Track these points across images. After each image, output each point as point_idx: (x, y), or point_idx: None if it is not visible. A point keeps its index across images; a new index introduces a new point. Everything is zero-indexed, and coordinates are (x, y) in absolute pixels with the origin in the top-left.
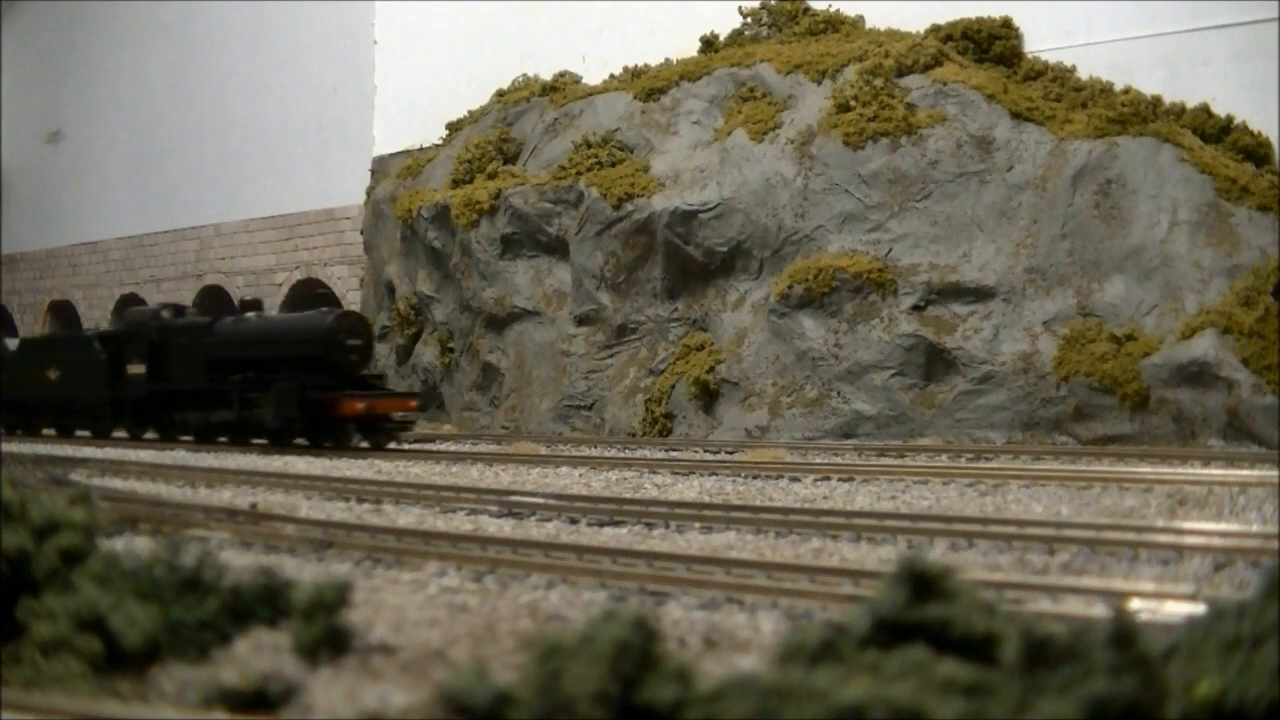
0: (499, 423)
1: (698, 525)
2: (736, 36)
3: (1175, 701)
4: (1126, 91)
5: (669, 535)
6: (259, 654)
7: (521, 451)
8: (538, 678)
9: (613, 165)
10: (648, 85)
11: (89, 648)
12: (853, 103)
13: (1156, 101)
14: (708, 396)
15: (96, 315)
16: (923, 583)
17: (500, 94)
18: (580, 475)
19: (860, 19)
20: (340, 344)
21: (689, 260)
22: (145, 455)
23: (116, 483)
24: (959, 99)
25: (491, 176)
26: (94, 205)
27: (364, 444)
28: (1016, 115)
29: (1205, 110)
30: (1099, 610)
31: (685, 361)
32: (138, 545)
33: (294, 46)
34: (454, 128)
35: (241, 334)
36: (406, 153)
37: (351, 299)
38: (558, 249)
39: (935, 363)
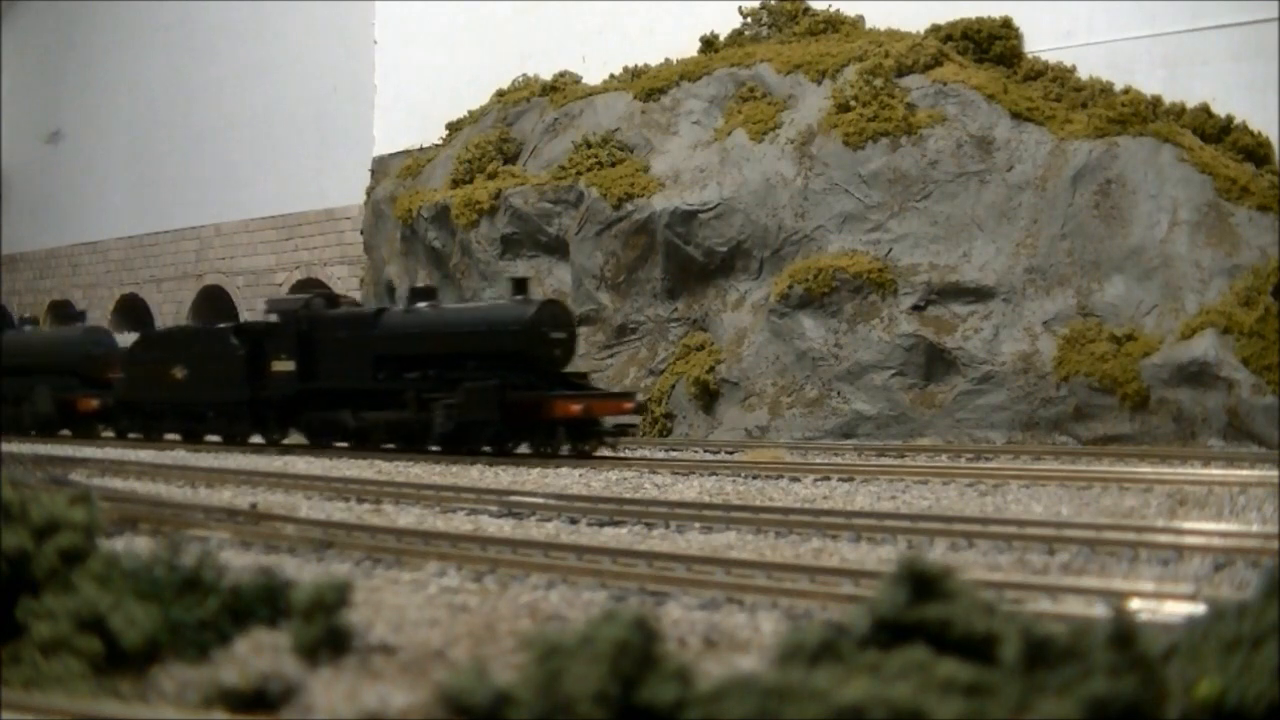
0: None
1: (698, 525)
2: (736, 36)
3: (1175, 701)
4: (1126, 91)
5: (669, 535)
6: (259, 654)
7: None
8: (538, 678)
9: (613, 165)
10: (648, 85)
11: (89, 648)
12: (853, 103)
13: (1156, 101)
14: (708, 396)
15: (96, 316)
16: (923, 583)
17: (500, 94)
18: (580, 475)
19: (860, 19)
20: (543, 337)
21: (689, 260)
22: (145, 455)
23: (116, 483)
24: (959, 99)
25: (491, 176)
26: (94, 205)
27: (555, 450)
28: (1016, 115)
29: (1205, 110)
30: (1099, 610)
31: (685, 361)
32: (138, 545)
33: (294, 46)
34: (454, 128)
35: (417, 326)
36: (406, 153)
37: (351, 299)
38: (558, 249)
39: (935, 363)
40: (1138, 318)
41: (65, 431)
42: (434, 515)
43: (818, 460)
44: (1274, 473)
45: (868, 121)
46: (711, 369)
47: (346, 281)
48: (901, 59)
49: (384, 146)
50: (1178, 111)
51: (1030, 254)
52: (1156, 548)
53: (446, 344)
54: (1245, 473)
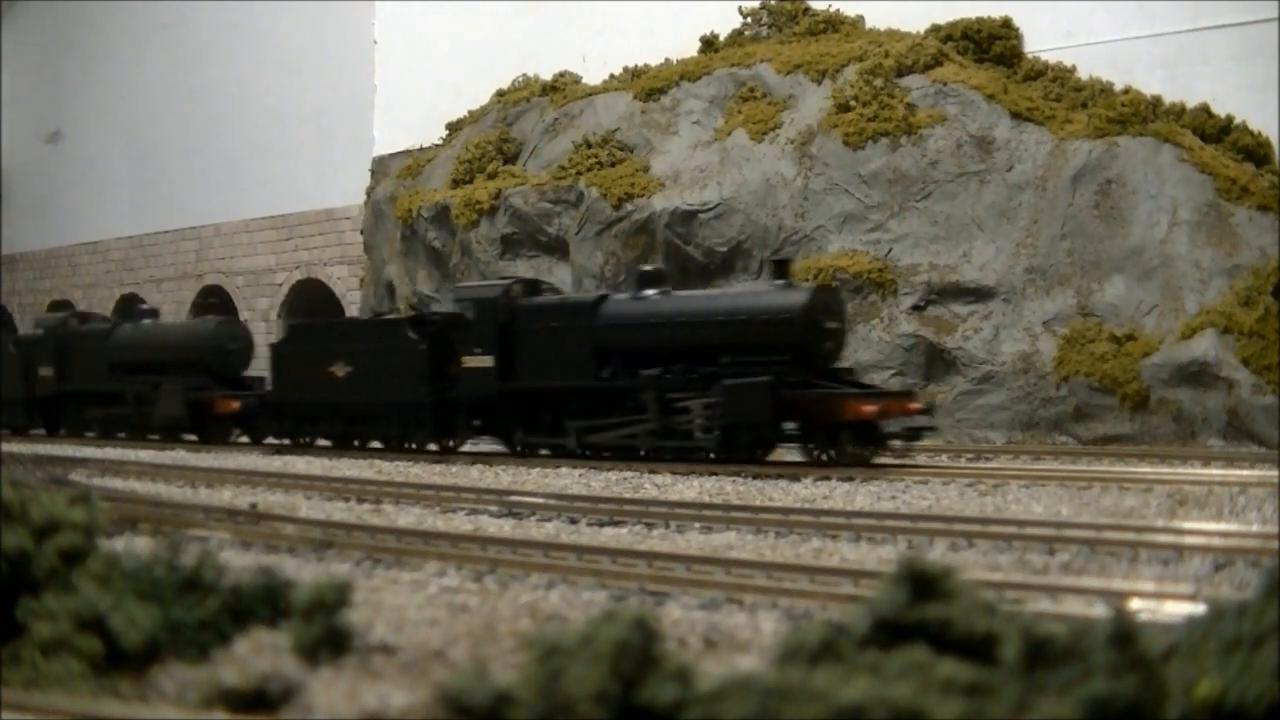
0: None
1: (698, 525)
2: (736, 36)
3: (1175, 701)
4: (1126, 91)
5: (669, 535)
6: (259, 654)
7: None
8: (538, 678)
9: (613, 165)
10: (648, 85)
11: (89, 648)
12: (853, 103)
13: (1156, 101)
14: None
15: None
16: (923, 583)
17: (500, 94)
18: (580, 475)
19: (860, 19)
20: (819, 327)
21: (689, 260)
22: (145, 455)
23: (116, 483)
24: (959, 99)
25: (491, 176)
26: (94, 205)
27: (810, 456)
28: (1016, 115)
29: (1205, 110)
30: (1099, 610)
31: None
32: (138, 545)
33: (294, 46)
34: (454, 128)
35: (653, 315)
36: (406, 153)
37: (351, 299)
38: (558, 249)
39: (935, 363)
40: (1138, 318)
41: (191, 436)
42: (434, 515)
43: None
44: (1274, 473)
45: (868, 121)
46: None
47: (346, 281)
48: (901, 59)
49: (384, 146)
50: (1178, 111)
51: (1030, 254)
52: (1156, 548)
53: (694, 336)
54: (1245, 473)
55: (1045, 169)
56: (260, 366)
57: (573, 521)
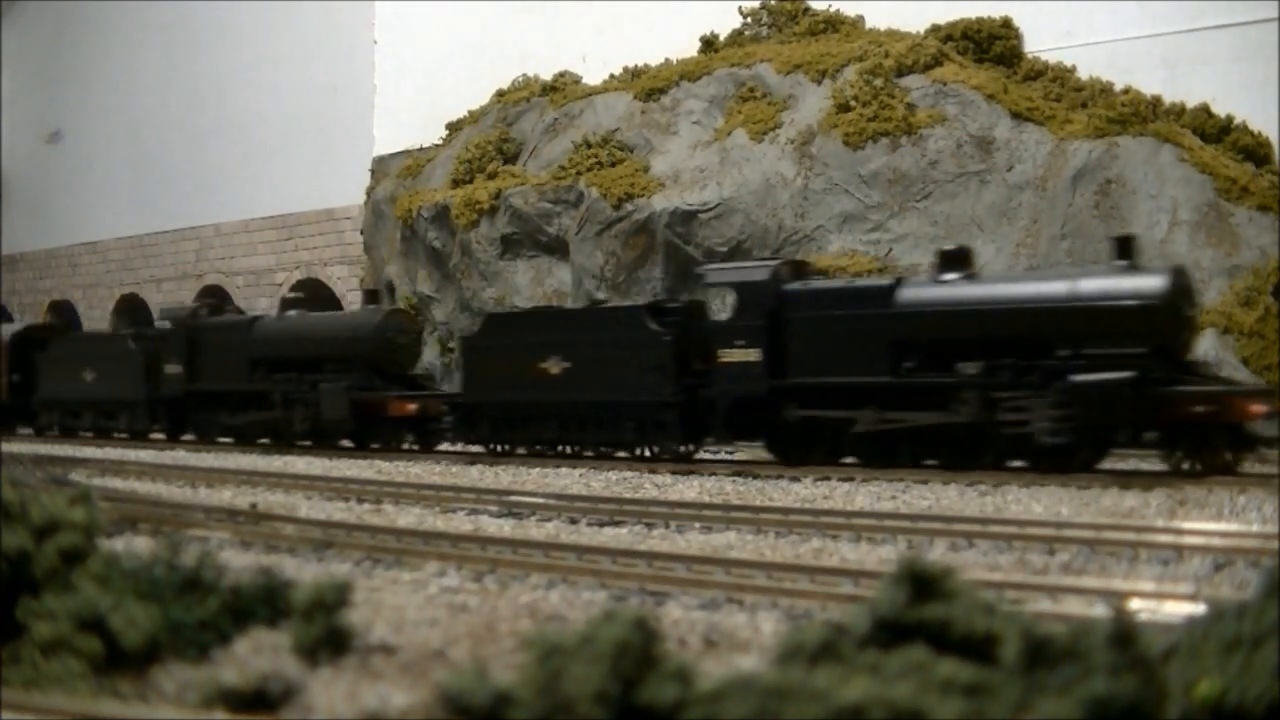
0: None
1: (698, 525)
2: (736, 36)
3: (1175, 701)
4: (1126, 91)
5: (669, 535)
6: (259, 654)
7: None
8: (538, 678)
9: (613, 165)
10: (648, 85)
11: (89, 648)
12: (853, 103)
13: (1156, 101)
14: None
15: (96, 315)
16: (923, 583)
17: (500, 94)
18: (580, 475)
19: (860, 19)
20: (1180, 316)
21: (689, 260)
22: (145, 455)
23: (116, 483)
24: (959, 99)
25: (491, 176)
26: (94, 205)
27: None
28: (1016, 115)
29: (1205, 110)
30: (1099, 610)
31: None
32: (138, 545)
33: (294, 46)
34: (454, 128)
35: (964, 302)
36: (406, 153)
37: (351, 299)
38: (558, 249)
39: None
40: None
41: (348, 442)
42: (434, 515)
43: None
44: (1274, 473)
45: (868, 121)
46: None
47: (346, 281)
48: (901, 59)
49: (384, 146)
50: (1178, 111)
51: (1030, 254)
52: (1156, 548)
53: (1021, 326)
54: (1245, 473)
55: (1045, 169)
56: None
57: (573, 521)
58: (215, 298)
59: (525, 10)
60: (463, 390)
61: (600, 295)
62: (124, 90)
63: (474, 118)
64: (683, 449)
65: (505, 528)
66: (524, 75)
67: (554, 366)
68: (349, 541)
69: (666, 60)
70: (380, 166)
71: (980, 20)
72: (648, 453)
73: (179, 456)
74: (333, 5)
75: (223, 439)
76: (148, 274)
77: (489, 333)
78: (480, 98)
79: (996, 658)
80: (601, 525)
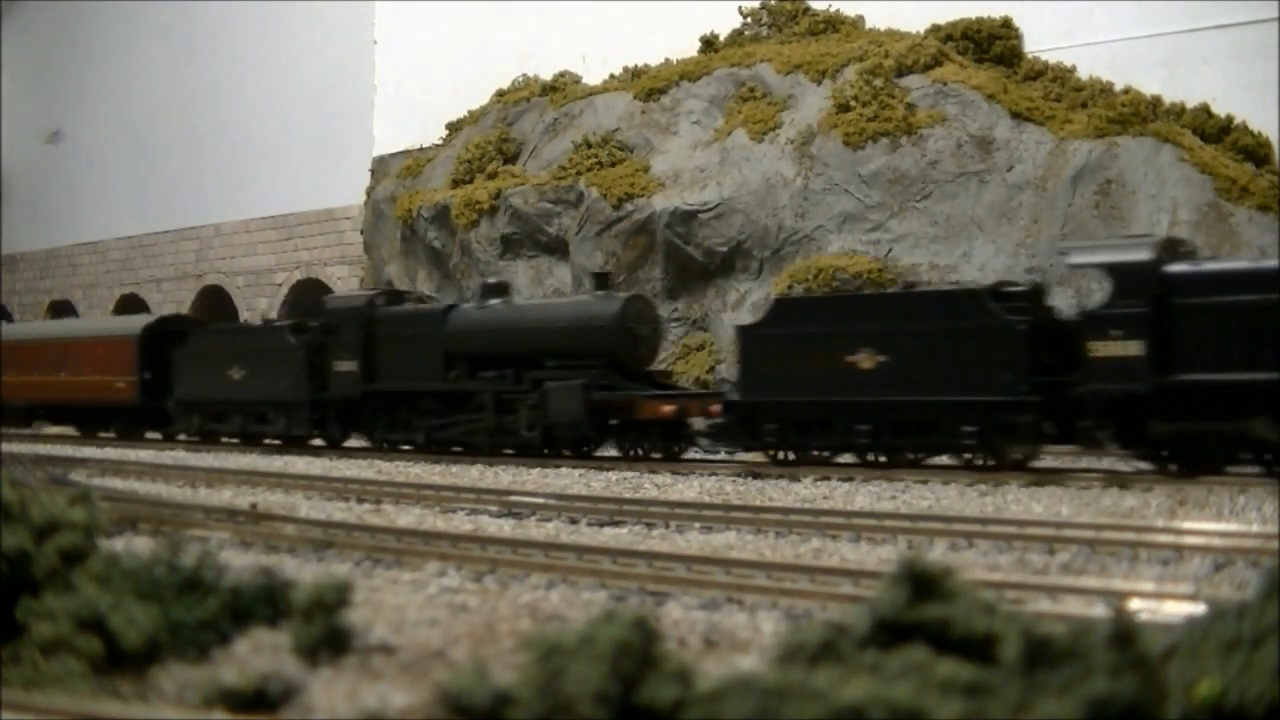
0: None
1: (698, 525)
2: (736, 36)
3: (1175, 701)
4: (1126, 91)
5: (669, 535)
6: (259, 654)
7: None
8: (538, 678)
9: (613, 165)
10: (648, 85)
11: (89, 648)
12: (853, 103)
13: (1156, 101)
14: None
15: (96, 316)
16: (923, 583)
17: (500, 94)
18: (580, 475)
19: (860, 19)
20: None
21: (689, 260)
22: (145, 455)
23: (116, 483)
24: (959, 99)
25: (491, 176)
26: (94, 205)
27: None
28: (1016, 115)
29: (1205, 110)
30: (1099, 610)
31: (685, 361)
32: (138, 545)
33: (294, 46)
34: (454, 128)
35: None
36: (406, 153)
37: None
38: (558, 249)
39: None
40: None
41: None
42: (434, 515)
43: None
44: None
45: (868, 121)
46: (711, 369)
47: (346, 281)
48: (901, 59)
49: (384, 146)
50: (1178, 111)
51: (1030, 254)
52: (1156, 548)
53: None
54: (1245, 473)
55: (1045, 169)
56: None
57: (573, 521)
58: (214, 297)
59: (525, 10)
60: (739, 389)
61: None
62: (124, 90)
63: (474, 118)
64: (1023, 457)
65: (505, 528)
66: (524, 75)
67: (866, 360)
68: (349, 541)
69: (666, 60)
70: (380, 166)
71: (980, 20)
72: (985, 462)
73: (179, 456)
74: (333, 5)
75: (406, 446)
76: (148, 274)
77: (778, 321)
78: (480, 98)
79: (996, 658)
80: (601, 525)
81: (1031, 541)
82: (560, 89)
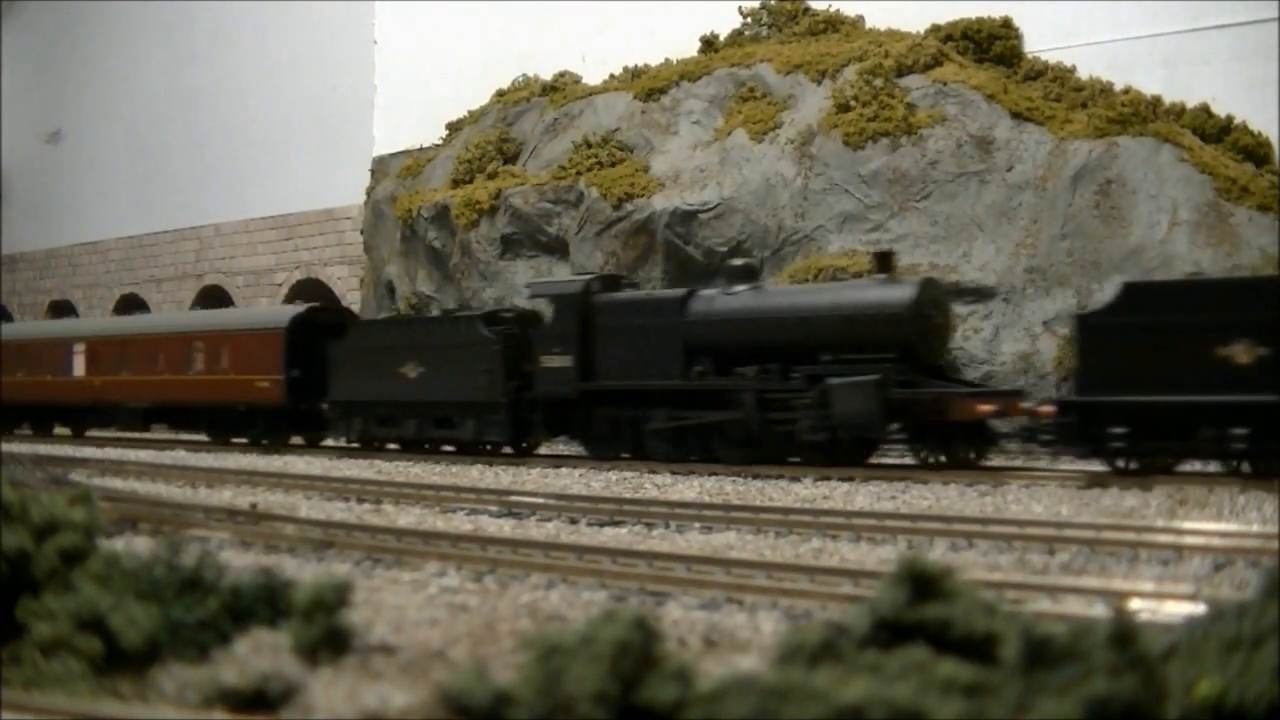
0: None
1: (698, 525)
2: (736, 36)
3: (1175, 701)
4: (1126, 91)
5: (669, 535)
6: (259, 654)
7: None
8: (538, 678)
9: (613, 165)
10: (648, 85)
11: (89, 648)
12: (853, 103)
13: (1156, 101)
14: None
15: (96, 316)
16: (923, 583)
17: (500, 94)
18: (580, 475)
19: (860, 19)
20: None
21: (689, 260)
22: (145, 455)
23: (116, 483)
24: (959, 99)
25: (491, 176)
26: (94, 205)
27: None
28: (1016, 115)
29: (1205, 110)
30: (1099, 610)
31: None
32: (138, 545)
33: (294, 46)
34: (454, 128)
35: None
36: (406, 153)
37: (351, 299)
38: (558, 249)
39: None
40: None
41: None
42: (434, 515)
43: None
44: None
45: (868, 121)
46: None
47: (346, 281)
48: (901, 59)
49: (384, 146)
50: (1178, 111)
51: (1030, 254)
52: (1156, 548)
53: None
54: (1245, 473)
55: (1045, 169)
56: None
57: (573, 521)
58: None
59: (525, 10)
60: (1078, 386)
61: None
62: (124, 90)
63: (474, 118)
64: None
65: (505, 528)
66: (524, 75)
67: (1243, 354)
68: (349, 541)
69: (666, 60)
70: (380, 166)
71: (980, 20)
72: None
73: (179, 456)
74: (333, 5)
75: (654, 456)
76: (148, 274)
77: (1129, 309)
78: (480, 98)
79: (996, 658)
80: (601, 525)
81: (1031, 541)
82: (560, 89)
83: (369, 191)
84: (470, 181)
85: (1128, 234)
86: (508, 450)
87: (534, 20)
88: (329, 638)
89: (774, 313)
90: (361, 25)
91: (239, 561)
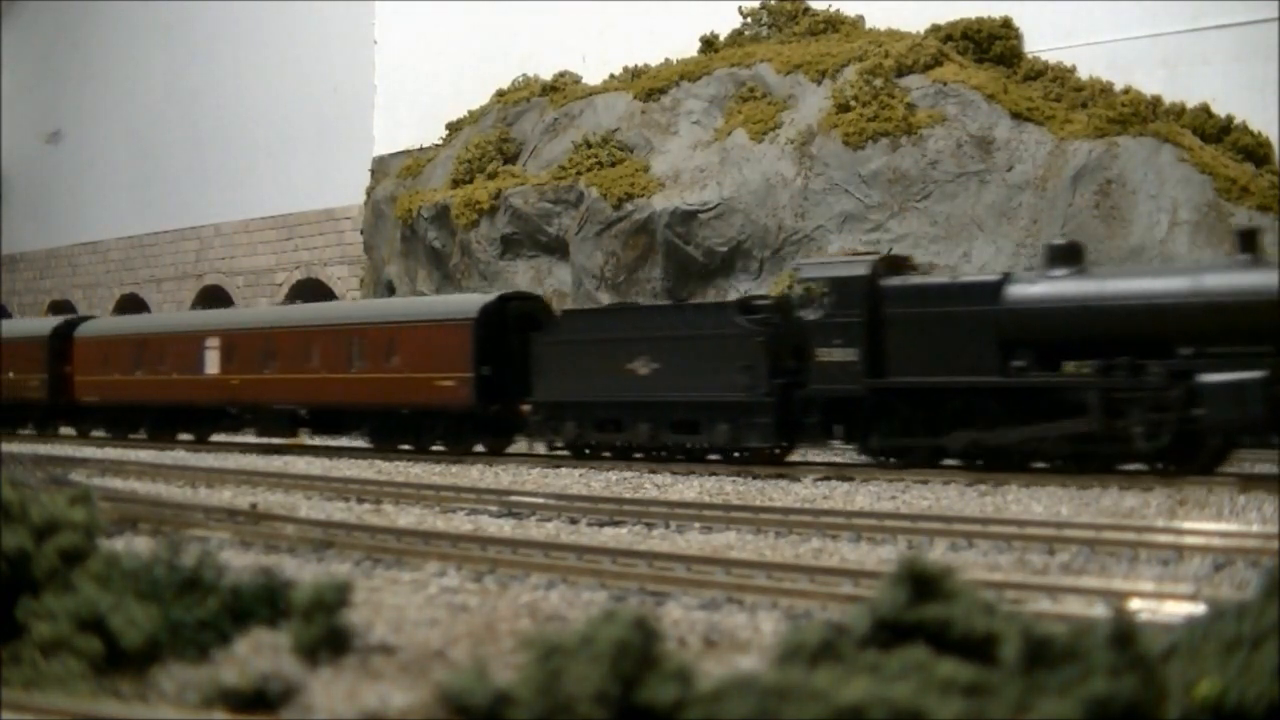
0: None
1: (698, 525)
2: (736, 36)
3: (1175, 701)
4: (1126, 91)
5: (669, 535)
6: (259, 654)
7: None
8: (538, 678)
9: (613, 165)
10: (648, 85)
11: (89, 648)
12: (853, 103)
13: (1156, 101)
14: None
15: (97, 315)
16: (923, 583)
17: (500, 94)
18: (580, 475)
19: (860, 19)
20: None
21: (689, 260)
22: (145, 455)
23: (116, 483)
24: (959, 99)
25: (491, 176)
26: (94, 205)
27: None
28: (1016, 115)
29: (1205, 110)
30: (1099, 610)
31: None
32: (138, 545)
33: (294, 46)
34: (454, 128)
35: None
36: (406, 153)
37: (351, 299)
38: (558, 249)
39: None
40: None
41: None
42: (434, 515)
43: (818, 459)
44: (1274, 473)
45: (868, 121)
46: None
47: (346, 281)
48: (901, 59)
49: (384, 146)
50: (1178, 111)
51: (1030, 254)
52: (1156, 548)
53: None
54: (1245, 473)
55: (1045, 169)
56: None
57: (573, 521)
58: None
59: (525, 10)
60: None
61: (601, 295)
62: (124, 90)
63: (474, 118)
64: None
65: (505, 528)
66: (524, 75)
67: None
68: (349, 541)
69: (666, 60)
70: (380, 166)
71: (980, 20)
72: None
73: (179, 456)
74: (333, 5)
75: (913, 465)
76: (148, 274)
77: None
78: (480, 98)
79: (996, 658)
80: (601, 525)
81: (1031, 541)
82: (560, 89)
83: (369, 191)
84: (470, 181)
85: (1128, 234)
86: (774, 452)
87: (534, 20)
88: (329, 638)
89: (1118, 300)
90: (361, 25)
91: (239, 561)
